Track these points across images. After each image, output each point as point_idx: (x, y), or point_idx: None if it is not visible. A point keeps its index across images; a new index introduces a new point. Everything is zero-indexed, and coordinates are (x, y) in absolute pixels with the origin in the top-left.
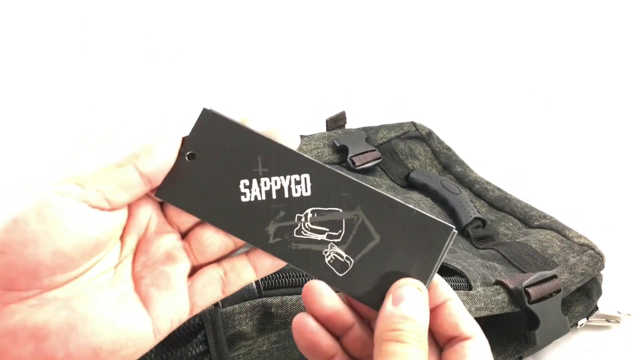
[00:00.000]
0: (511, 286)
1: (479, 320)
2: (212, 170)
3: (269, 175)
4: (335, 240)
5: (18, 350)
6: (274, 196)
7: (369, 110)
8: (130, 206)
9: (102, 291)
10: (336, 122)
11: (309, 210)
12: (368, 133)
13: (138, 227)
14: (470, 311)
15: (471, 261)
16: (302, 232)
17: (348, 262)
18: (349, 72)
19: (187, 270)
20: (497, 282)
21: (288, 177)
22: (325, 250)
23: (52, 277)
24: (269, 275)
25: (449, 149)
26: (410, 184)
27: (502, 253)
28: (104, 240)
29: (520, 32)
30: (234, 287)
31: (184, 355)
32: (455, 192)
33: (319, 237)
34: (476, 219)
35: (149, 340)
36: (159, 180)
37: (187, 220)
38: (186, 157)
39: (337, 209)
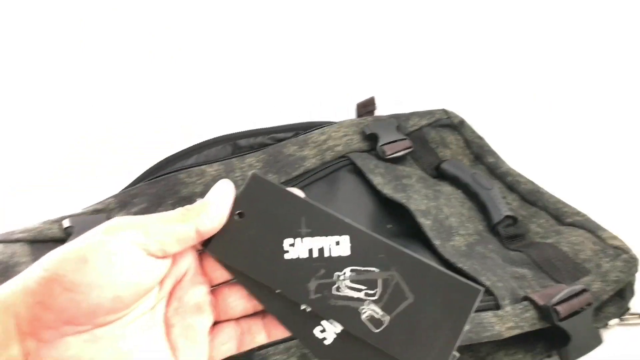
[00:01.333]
0: (540, 303)
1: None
2: (259, 228)
3: (311, 235)
4: (372, 298)
5: None
6: (315, 255)
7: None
8: (175, 254)
9: (142, 333)
10: (366, 107)
11: (347, 269)
12: (399, 120)
13: (177, 274)
14: (501, 332)
15: (501, 272)
16: (341, 289)
17: (383, 319)
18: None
19: (211, 324)
20: (526, 298)
21: (329, 237)
22: (361, 307)
23: (105, 317)
24: None
25: (481, 138)
26: (441, 175)
27: (533, 257)
28: (153, 286)
29: (520, 32)
30: (247, 347)
31: None
32: (487, 187)
33: (356, 294)
34: (507, 217)
35: None
36: (209, 235)
37: (220, 275)
38: (236, 216)
39: (373, 269)
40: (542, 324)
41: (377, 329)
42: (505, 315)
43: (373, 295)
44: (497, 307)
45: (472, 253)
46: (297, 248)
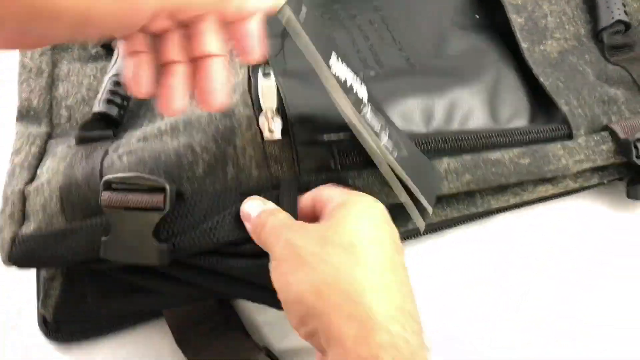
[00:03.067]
0: (621, 135)
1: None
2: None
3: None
4: (387, 132)
5: None
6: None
7: None
8: None
9: None
10: None
11: (369, 106)
12: None
13: None
14: (567, 165)
15: (586, 94)
16: (370, 109)
17: (395, 152)
18: None
19: None
20: (606, 128)
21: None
22: (382, 133)
23: None
24: (344, 153)
25: None
26: None
27: (633, 75)
28: None
29: None
30: None
31: None
32: None
33: (378, 123)
34: (619, 22)
35: None
36: None
37: None
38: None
39: (381, 118)
40: (619, 158)
41: (395, 154)
42: (576, 148)
43: (387, 132)
44: (570, 136)
45: (562, 64)
46: (336, 68)
